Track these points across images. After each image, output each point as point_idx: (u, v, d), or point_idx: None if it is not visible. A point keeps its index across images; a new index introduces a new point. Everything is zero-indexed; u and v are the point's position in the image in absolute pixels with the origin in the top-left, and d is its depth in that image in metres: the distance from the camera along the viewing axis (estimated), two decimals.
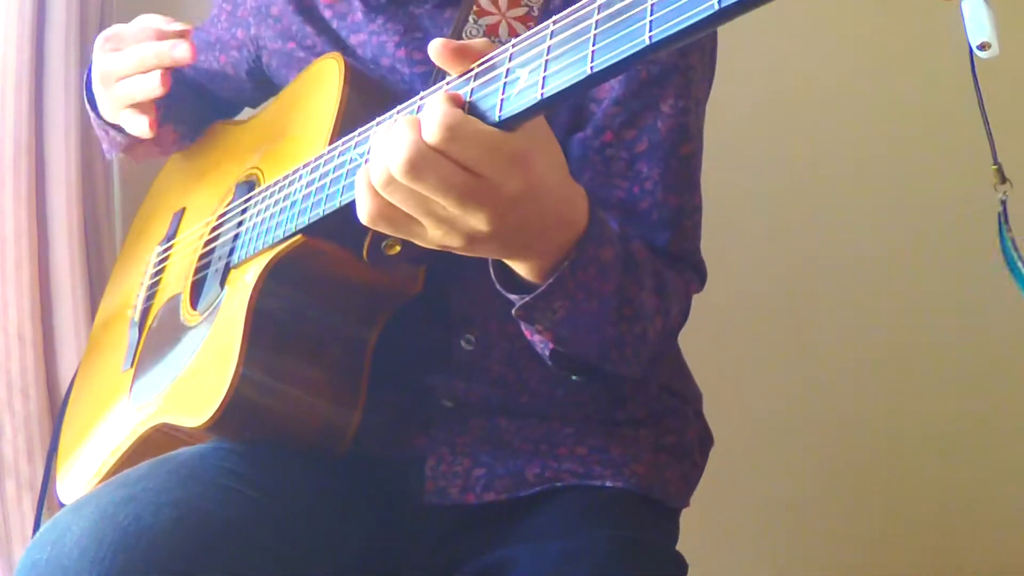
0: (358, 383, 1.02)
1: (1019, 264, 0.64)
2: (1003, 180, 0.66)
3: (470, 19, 1.01)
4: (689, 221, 1.04)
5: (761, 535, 2.04)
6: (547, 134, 0.74)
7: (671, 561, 1.03)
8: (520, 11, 1.02)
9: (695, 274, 1.06)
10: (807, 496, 2.00)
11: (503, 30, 1.01)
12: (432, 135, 0.68)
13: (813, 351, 2.00)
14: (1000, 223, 0.65)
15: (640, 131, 1.00)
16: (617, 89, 1.00)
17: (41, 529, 0.91)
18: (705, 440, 1.16)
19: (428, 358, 1.05)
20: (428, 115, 0.69)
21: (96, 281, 1.64)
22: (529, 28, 0.99)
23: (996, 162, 0.65)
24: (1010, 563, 2.00)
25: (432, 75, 1.02)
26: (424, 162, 0.68)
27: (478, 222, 0.72)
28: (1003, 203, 0.66)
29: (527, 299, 0.84)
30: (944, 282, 1.93)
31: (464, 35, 1.01)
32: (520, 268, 0.84)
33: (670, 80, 1.00)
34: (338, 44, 1.12)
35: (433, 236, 0.74)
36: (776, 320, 2.00)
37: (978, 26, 0.55)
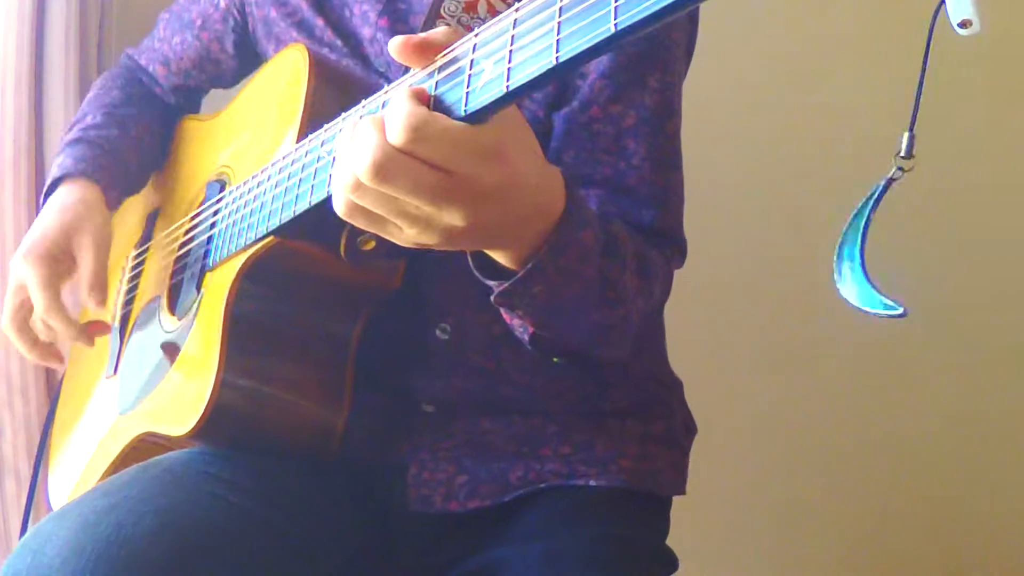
0: (343, 381, 1.00)
1: (855, 251, 0.56)
2: (909, 154, 0.56)
3: None
4: (674, 197, 1.03)
5: (754, 530, 2.03)
6: (518, 121, 0.72)
7: (659, 558, 1.02)
8: None
9: (677, 250, 1.04)
10: (800, 491, 2.00)
11: (482, 7, 1.00)
12: (397, 136, 0.65)
13: (808, 345, 1.99)
14: (869, 201, 0.56)
15: (627, 106, 0.99)
16: (604, 62, 0.98)
17: (24, 537, 0.90)
18: (690, 427, 1.15)
19: (406, 353, 1.04)
20: (392, 115, 0.66)
21: None
22: (508, 4, 0.97)
23: (911, 131, 0.56)
24: (1010, 562, 1.97)
25: None
26: (391, 164, 0.65)
27: (454, 219, 0.69)
28: (890, 181, 0.56)
29: (505, 285, 0.81)
30: (944, 280, 1.90)
31: (443, 11, 0.99)
32: (499, 256, 0.81)
33: (656, 54, 0.99)
34: (321, 10, 1.10)
35: (408, 235, 0.71)
36: (771, 314, 1.99)
37: (960, 2, 0.51)
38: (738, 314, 1.93)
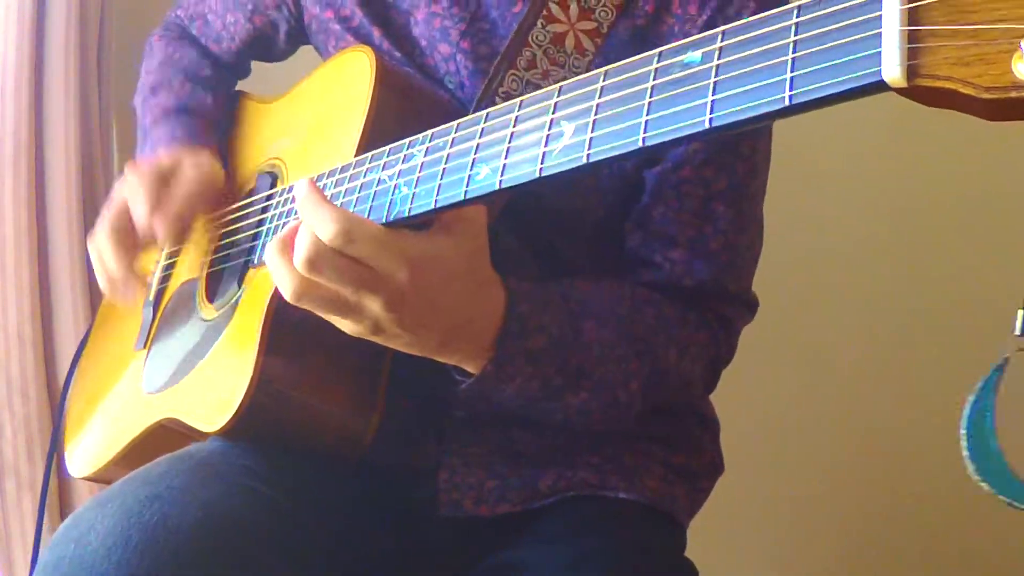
0: (376, 389, 0.99)
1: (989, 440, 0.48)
2: None
3: (539, 23, 0.98)
4: (750, 259, 1.05)
5: (770, 541, 2.04)
6: (457, 240, 0.80)
7: (681, 568, 1.03)
8: (589, 25, 0.98)
9: (747, 309, 1.08)
10: (806, 492, 2.00)
11: (569, 41, 0.98)
12: (329, 237, 0.76)
13: (819, 355, 2.00)
14: (987, 382, 0.49)
15: (719, 170, 0.99)
16: None
17: (64, 524, 0.89)
18: (717, 466, 1.16)
19: (441, 365, 1.04)
20: (322, 219, 0.77)
21: (96, 281, 1.64)
22: (596, 44, 0.98)
23: None
24: (1010, 561, 2.00)
25: (487, 80, 0.98)
26: (320, 259, 0.77)
27: (376, 306, 0.78)
28: (1006, 361, 0.48)
29: (465, 385, 0.89)
30: (945, 281, 1.93)
31: (530, 39, 0.98)
32: (454, 361, 0.88)
33: None
34: (381, 19, 1.07)
35: (345, 324, 0.81)
36: (776, 324, 1.99)
37: None
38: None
